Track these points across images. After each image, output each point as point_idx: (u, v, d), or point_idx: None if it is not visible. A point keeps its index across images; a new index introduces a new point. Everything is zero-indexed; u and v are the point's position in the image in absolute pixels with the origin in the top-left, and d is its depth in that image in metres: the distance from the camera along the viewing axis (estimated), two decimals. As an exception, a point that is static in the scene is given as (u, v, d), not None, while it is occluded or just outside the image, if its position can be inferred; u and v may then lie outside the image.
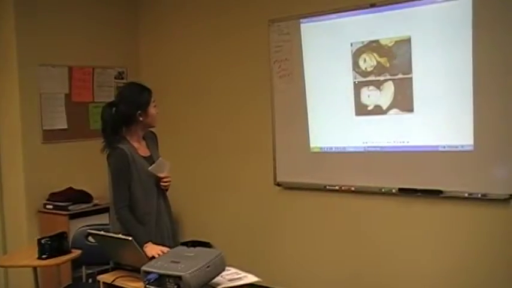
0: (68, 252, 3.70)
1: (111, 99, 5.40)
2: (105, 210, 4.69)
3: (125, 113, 3.13)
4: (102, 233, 3.01)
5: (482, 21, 3.63)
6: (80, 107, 5.32)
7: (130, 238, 2.79)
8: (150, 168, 3.15)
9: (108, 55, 5.59)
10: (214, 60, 5.24)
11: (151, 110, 3.18)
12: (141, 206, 3.12)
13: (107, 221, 4.56)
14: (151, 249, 2.90)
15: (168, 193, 3.34)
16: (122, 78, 5.69)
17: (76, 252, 3.74)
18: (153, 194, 3.20)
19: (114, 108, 3.13)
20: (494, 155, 3.67)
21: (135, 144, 3.18)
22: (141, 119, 3.15)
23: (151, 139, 3.35)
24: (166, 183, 3.24)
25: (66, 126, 5.20)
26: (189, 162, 5.42)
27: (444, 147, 3.89)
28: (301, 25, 4.50)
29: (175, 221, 3.49)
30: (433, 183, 3.93)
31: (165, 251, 2.86)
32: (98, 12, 5.50)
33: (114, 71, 5.65)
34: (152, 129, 3.36)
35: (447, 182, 3.87)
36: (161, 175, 3.20)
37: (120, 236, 2.88)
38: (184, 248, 2.86)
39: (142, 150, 3.22)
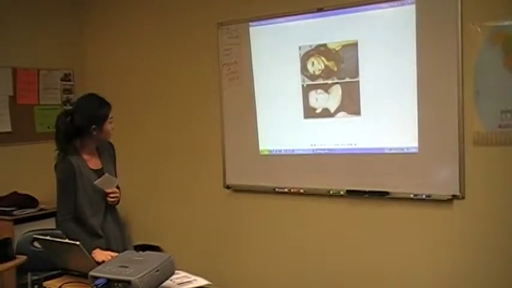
0: (12, 258, 3.61)
1: (58, 101, 5.43)
2: (51, 215, 4.61)
3: (79, 125, 3.07)
4: (48, 238, 2.96)
5: (425, 26, 3.72)
6: (25, 109, 5.21)
7: (77, 243, 2.75)
8: (96, 181, 3.10)
9: (53, 56, 5.48)
10: (163, 62, 5.19)
11: (107, 126, 3.13)
12: (88, 219, 3.09)
13: (53, 226, 4.49)
14: (100, 254, 2.88)
15: (118, 206, 3.30)
16: (69, 80, 5.61)
17: (21, 258, 3.66)
18: (101, 208, 3.17)
19: (69, 118, 3.08)
20: (437, 157, 3.75)
21: (86, 156, 3.13)
22: (94, 133, 3.09)
23: (106, 150, 3.30)
24: (112, 199, 3.18)
25: (10, 129, 5.07)
26: (138, 164, 5.36)
27: (390, 149, 3.95)
28: (250, 28, 4.50)
29: (126, 234, 3.48)
30: (380, 184, 3.99)
31: (114, 256, 2.82)
32: (42, 13, 5.39)
33: (60, 73, 5.56)
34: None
35: (393, 183, 3.94)
36: (108, 190, 3.16)
37: (67, 240, 2.83)
38: (133, 252, 2.82)
39: (94, 162, 3.18)
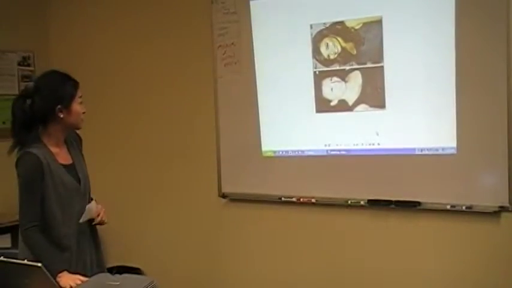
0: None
1: (14, 91, 5.37)
2: (8, 230, 4.59)
3: (42, 108, 3.03)
4: (2, 258, 2.90)
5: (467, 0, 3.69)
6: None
7: (39, 264, 2.69)
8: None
9: (8, 36, 5.42)
10: (146, 44, 5.16)
11: (76, 106, 3.11)
12: (59, 226, 3.06)
13: (9, 244, 4.46)
14: (66, 278, 2.83)
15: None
16: (28, 65, 5.59)
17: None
18: (74, 211, 3.14)
19: (28, 101, 3.04)
20: (481, 159, 3.73)
21: (54, 149, 3.10)
22: (61, 116, 3.06)
23: (75, 142, 3.28)
24: (101, 219, 3.24)
25: (-45, 125, 5.04)
26: (114, 171, 5.36)
27: (422, 150, 3.93)
28: (251, 3, 4.49)
29: (101, 243, 3.46)
30: (409, 193, 3.97)
31: (84, 280, 2.80)
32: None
33: (17, 56, 5.53)
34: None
35: (426, 191, 3.92)
36: (94, 216, 3.21)
37: (26, 262, 2.77)
38: (108, 275, 2.82)
39: (63, 156, 3.15)
